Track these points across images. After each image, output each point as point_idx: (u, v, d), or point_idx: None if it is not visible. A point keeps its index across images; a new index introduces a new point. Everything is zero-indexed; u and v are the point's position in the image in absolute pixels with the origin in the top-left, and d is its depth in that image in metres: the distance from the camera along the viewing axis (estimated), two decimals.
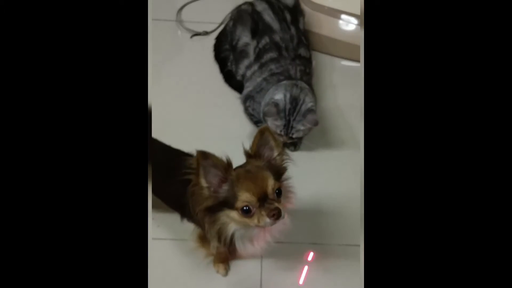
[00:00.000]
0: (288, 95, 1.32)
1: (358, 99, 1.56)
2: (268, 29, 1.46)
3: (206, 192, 0.85)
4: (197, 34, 1.74)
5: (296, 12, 1.56)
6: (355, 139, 1.52)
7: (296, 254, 1.26)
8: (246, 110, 1.50)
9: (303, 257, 1.25)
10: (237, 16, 1.55)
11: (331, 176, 1.44)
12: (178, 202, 1.01)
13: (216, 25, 1.75)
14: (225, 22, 1.68)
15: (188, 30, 1.75)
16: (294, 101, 1.32)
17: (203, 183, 0.85)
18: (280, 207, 0.84)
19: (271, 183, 0.84)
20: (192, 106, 1.55)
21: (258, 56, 1.45)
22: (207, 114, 1.54)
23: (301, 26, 1.55)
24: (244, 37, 1.49)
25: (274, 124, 1.33)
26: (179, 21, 1.79)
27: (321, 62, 1.71)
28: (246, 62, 1.49)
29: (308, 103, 1.32)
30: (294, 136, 1.35)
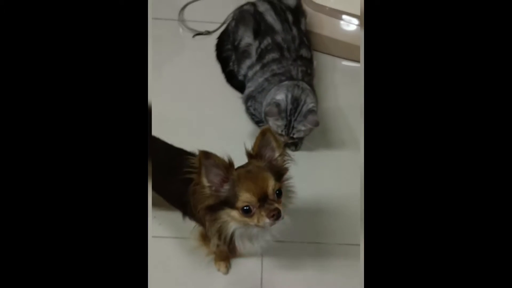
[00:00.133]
0: (289, 96, 1.33)
1: (358, 99, 1.56)
2: (270, 30, 1.47)
3: (207, 191, 0.86)
4: (199, 33, 1.75)
5: (298, 13, 1.56)
6: (355, 139, 1.53)
7: (296, 253, 1.27)
8: (247, 110, 1.51)
9: (303, 255, 1.27)
10: (239, 16, 1.55)
11: (331, 176, 1.45)
12: (180, 200, 1.02)
13: (218, 25, 1.75)
14: (227, 22, 1.69)
15: (190, 29, 1.76)
16: (296, 102, 1.33)
17: (205, 182, 0.86)
18: (280, 208, 0.85)
19: (271, 183, 0.85)
20: (193, 105, 1.56)
21: (260, 57, 1.46)
22: (208, 113, 1.55)
23: (302, 27, 1.56)
24: (246, 38, 1.50)
25: (275, 124, 1.34)
26: (181, 20, 1.79)
27: (322, 62, 1.72)
28: (248, 62, 1.50)
29: (309, 103, 1.33)
30: (295, 136, 1.36)
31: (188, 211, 1.01)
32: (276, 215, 0.84)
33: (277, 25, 1.47)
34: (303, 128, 1.33)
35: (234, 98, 1.58)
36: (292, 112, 1.33)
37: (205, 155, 0.83)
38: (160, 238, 1.25)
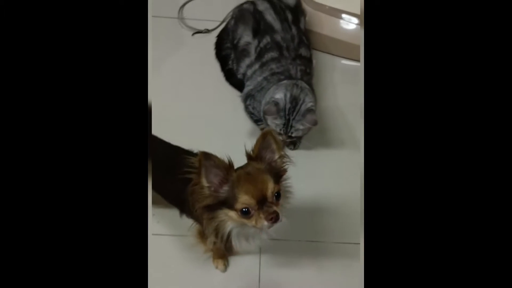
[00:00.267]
0: (288, 95, 1.33)
1: (358, 98, 1.56)
2: (269, 29, 1.47)
3: (206, 191, 0.87)
4: (198, 31, 1.75)
5: (298, 12, 1.56)
6: (354, 139, 1.54)
7: (294, 251, 1.27)
8: (246, 108, 1.51)
9: (300, 254, 1.27)
10: (239, 15, 1.55)
11: (330, 175, 1.45)
12: (178, 198, 1.02)
13: (218, 23, 1.75)
14: (227, 21, 1.69)
15: (190, 27, 1.76)
16: (294, 101, 1.33)
17: (204, 182, 0.86)
18: (278, 210, 0.86)
19: (270, 186, 0.86)
20: (192, 104, 1.56)
21: (259, 55, 1.46)
22: (207, 112, 1.55)
23: (302, 26, 1.56)
24: (245, 36, 1.50)
25: (273, 123, 1.35)
26: (181, 18, 1.79)
27: (322, 61, 1.72)
28: (247, 61, 1.50)
29: (308, 103, 1.33)
30: (293, 135, 1.37)
31: (185, 209, 1.01)
32: (274, 218, 0.85)
33: (277, 24, 1.47)
34: (301, 127, 1.34)
35: (233, 97, 1.58)
36: (290, 111, 1.33)
37: (206, 156, 0.84)
38: (159, 235, 1.25)
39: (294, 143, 1.49)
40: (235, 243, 0.97)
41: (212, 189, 0.87)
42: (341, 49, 1.73)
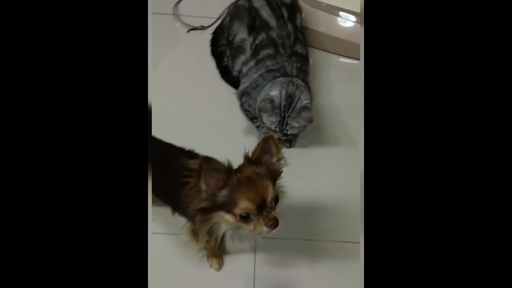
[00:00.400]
0: (283, 92, 1.32)
1: (354, 96, 1.55)
2: (265, 26, 1.46)
3: (203, 194, 0.86)
4: (194, 28, 1.73)
5: (294, 9, 1.55)
6: (350, 137, 1.53)
7: (289, 250, 1.27)
8: (242, 106, 1.50)
9: (295, 252, 1.26)
10: (234, 11, 1.54)
11: (326, 173, 1.45)
12: (170, 196, 1.01)
13: (213, 20, 1.74)
14: (222, 17, 1.67)
15: (185, 24, 1.75)
16: (290, 98, 1.32)
17: (203, 186, 0.85)
18: (278, 216, 0.86)
19: (270, 192, 0.86)
20: (187, 101, 1.55)
21: (254, 52, 1.45)
22: (202, 109, 1.54)
23: (298, 23, 1.55)
24: (241, 33, 1.49)
25: (268, 120, 1.34)
26: (176, 15, 1.78)
27: (319, 59, 1.71)
28: (242, 58, 1.49)
29: (304, 100, 1.32)
30: (288, 132, 1.36)
31: (178, 207, 1.00)
32: (274, 225, 0.85)
33: (272, 21, 1.46)
34: (296, 124, 1.33)
35: (228, 94, 1.57)
36: (286, 109, 1.32)
37: (206, 160, 0.82)
38: (154, 234, 1.24)
39: (289, 142, 1.48)
40: (229, 245, 0.97)
41: (210, 192, 0.86)
42: (339, 46, 1.72)
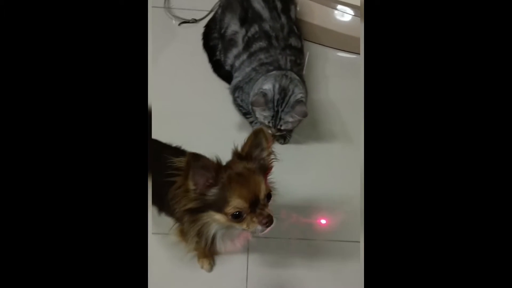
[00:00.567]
0: (277, 86, 1.27)
1: (352, 91, 1.52)
2: (257, 17, 1.41)
3: (192, 194, 0.81)
4: (185, 21, 1.69)
5: (288, 0, 1.50)
6: (347, 132, 1.49)
7: (281, 249, 1.23)
8: (234, 101, 1.46)
9: (289, 252, 1.23)
10: (226, 3, 1.49)
11: (324, 170, 1.41)
12: (156, 195, 0.96)
13: (206, 13, 1.70)
14: (215, 10, 1.63)
15: (176, 17, 1.70)
16: (283, 92, 1.27)
17: (191, 185, 0.81)
18: (272, 214, 0.82)
19: (263, 188, 0.82)
20: (179, 97, 1.51)
21: (247, 45, 1.40)
22: (194, 105, 1.50)
23: (292, 15, 1.50)
24: (232, 25, 1.44)
25: (262, 115, 1.29)
26: (167, 8, 1.73)
27: (315, 53, 1.68)
28: (234, 51, 1.44)
29: (298, 94, 1.27)
30: (282, 128, 1.31)
31: (165, 207, 0.96)
32: (269, 223, 0.82)
33: (265, 13, 1.41)
34: (290, 119, 1.28)
35: (221, 89, 1.52)
36: (279, 103, 1.27)
37: (194, 157, 0.77)
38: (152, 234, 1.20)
39: (284, 137, 1.44)
40: (220, 246, 0.93)
41: (198, 191, 0.81)
42: (336, 40, 1.68)
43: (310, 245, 1.25)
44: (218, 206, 0.81)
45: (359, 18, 1.59)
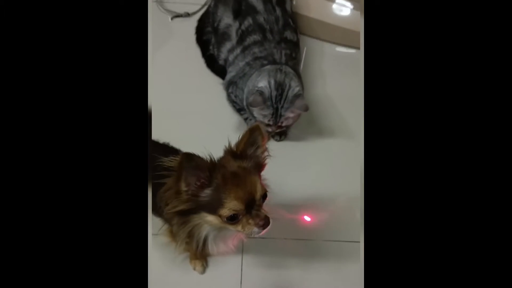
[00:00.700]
0: (272, 81, 1.23)
1: (350, 86, 1.47)
2: (251, 10, 1.37)
3: (184, 196, 0.77)
4: (178, 15, 1.65)
5: None
6: (348, 128, 1.46)
7: (277, 250, 1.20)
8: (228, 97, 1.41)
9: (286, 253, 1.20)
10: None
11: (322, 167, 1.38)
12: None
13: (199, 7, 1.66)
14: (208, 3, 1.58)
15: (169, 11, 1.66)
16: (280, 87, 1.23)
17: (183, 187, 0.76)
18: (268, 215, 0.79)
19: (259, 188, 0.79)
20: (171, 93, 1.46)
21: (240, 39, 1.36)
22: (187, 101, 1.46)
23: (288, 7, 1.46)
24: (226, 18, 1.40)
25: (261, 114, 1.24)
26: (159, 1, 1.70)
27: (312, 47, 1.64)
28: (228, 45, 1.40)
29: (295, 88, 1.23)
30: (283, 124, 1.27)
31: (153, 208, 0.91)
32: (266, 225, 0.79)
33: (259, 5, 1.37)
34: (291, 114, 1.24)
35: (215, 84, 1.49)
36: (278, 99, 1.23)
37: (188, 157, 0.73)
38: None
39: (280, 134, 1.39)
40: (212, 247, 0.89)
41: (190, 193, 0.77)
42: (334, 34, 1.64)
43: (308, 246, 1.22)
44: (212, 207, 0.77)
45: (358, 12, 1.55)
